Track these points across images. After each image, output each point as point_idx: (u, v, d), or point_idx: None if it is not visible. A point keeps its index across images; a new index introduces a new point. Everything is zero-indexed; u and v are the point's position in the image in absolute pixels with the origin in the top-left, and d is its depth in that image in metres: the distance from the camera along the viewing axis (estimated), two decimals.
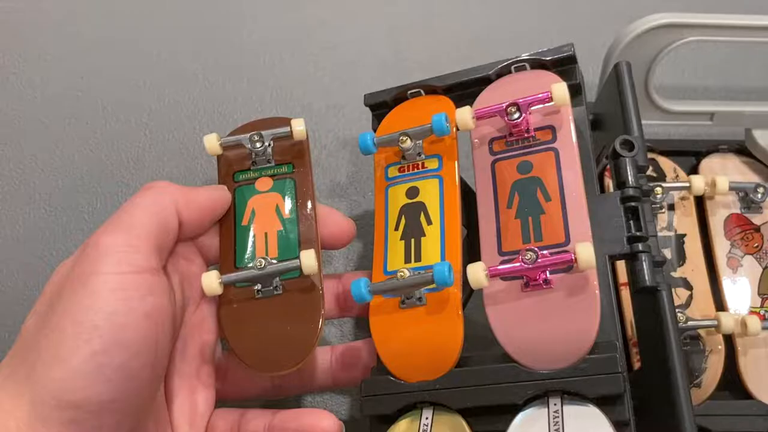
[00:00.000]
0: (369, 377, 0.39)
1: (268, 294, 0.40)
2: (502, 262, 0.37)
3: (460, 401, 0.36)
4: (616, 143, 0.40)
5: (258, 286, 0.41)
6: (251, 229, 0.43)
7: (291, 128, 0.44)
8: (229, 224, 0.44)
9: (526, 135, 0.41)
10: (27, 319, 0.37)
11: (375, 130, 0.46)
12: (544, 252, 0.36)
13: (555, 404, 0.35)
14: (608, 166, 0.42)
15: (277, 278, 0.40)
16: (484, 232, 0.39)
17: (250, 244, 0.42)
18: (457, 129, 0.42)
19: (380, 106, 0.47)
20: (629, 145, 0.40)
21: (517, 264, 0.36)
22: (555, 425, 0.34)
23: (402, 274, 0.38)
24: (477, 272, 0.35)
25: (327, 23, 0.64)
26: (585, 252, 0.34)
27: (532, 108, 0.41)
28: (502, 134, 0.41)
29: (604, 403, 0.35)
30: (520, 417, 0.35)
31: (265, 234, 0.43)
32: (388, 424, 0.38)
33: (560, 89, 0.40)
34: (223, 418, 0.42)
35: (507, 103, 0.40)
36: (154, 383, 0.37)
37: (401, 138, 0.42)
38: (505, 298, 0.37)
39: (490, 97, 0.43)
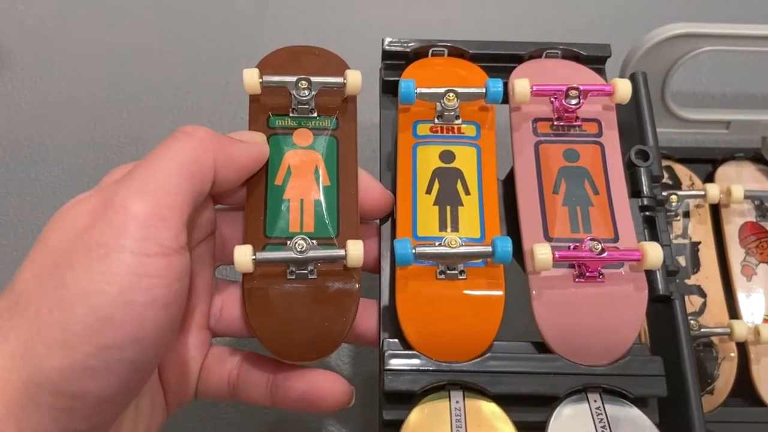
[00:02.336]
0: (392, 350, 0.35)
1: (301, 276, 0.36)
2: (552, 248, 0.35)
3: (498, 387, 0.35)
4: (631, 153, 0.41)
5: (292, 267, 0.36)
6: (285, 191, 0.37)
7: (345, 79, 0.38)
8: (260, 180, 0.38)
9: (574, 123, 0.40)
10: (23, 269, 0.31)
11: (383, 80, 0.43)
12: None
13: (595, 401, 0.34)
14: None
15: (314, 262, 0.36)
16: (527, 214, 0.37)
17: (283, 210, 0.37)
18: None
19: (396, 56, 0.43)
20: (644, 155, 0.41)
21: (585, 252, 0.34)
22: (600, 422, 0.33)
23: (454, 241, 0.35)
24: (546, 253, 0.34)
25: (345, 30, 0.66)
26: (655, 252, 0.34)
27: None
28: (546, 116, 0.40)
29: (637, 404, 0.35)
30: (563, 410, 0.34)
31: (301, 201, 0.37)
32: (404, 403, 0.35)
33: (626, 86, 0.39)
34: (219, 363, 0.38)
35: (568, 86, 0.39)
36: (156, 366, 0.34)
37: (448, 95, 0.39)
38: (556, 286, 0.35)
39: (522, 75, 0.40)
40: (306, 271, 0.36)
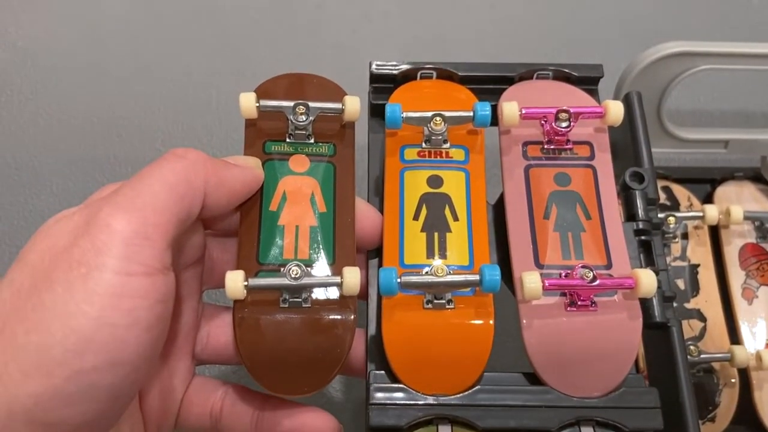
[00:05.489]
0: (378, 383, 0.34)
1: (295, 305, 0.34)
2: (542, 276, 0.34)
3: (488, 421, 0.33)
4: (626, 175, 0.40)
5: (285, 295, 0.35)
6: (280, 217, 0.36)
7: (344, 105, 0.38)
8: (254, 206, 0.37)
9: (565, 146, 0.39)
10: (0, 290, 0.29)
11: (371, 104, 0.42)
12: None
13: None
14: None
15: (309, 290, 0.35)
16: (517, 240, 0.36)
17: (278, 237, 0.36)
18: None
19: (384, 79, 0.42)
20: (639, 178, 0.40)
21: (576, 280, 0.33)
22: None
23: (440, 269, 0.33)
24: (535, 282, 0.33)
25: (342, 46, 0.65)
26: (648, 280, 0.33)
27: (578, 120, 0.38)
28: (536, 139, 0.39)
29: None
30: None
31: (296, 228, 0.36)
32: None
33: (617, 108, 0.38)
34: (203, 394, 0.37)
35: (558, 109, 0.38)
36: (138, 391, 0.33)
37: (435, 119, 0.38)
38: (547, 315, 0.34)
39: (512, 98, 0.39)
40: (300, 300, 0.34)
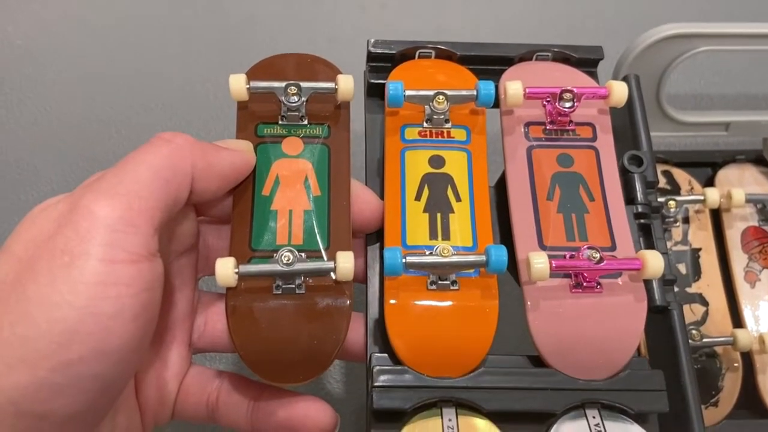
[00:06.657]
0: (380, 365, 0.34)
1: (288, 291, 0.34)
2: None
3: (492, 404, 0.33)
4: (624, 159, 0.39)
5: (278, 281, 0.34)
6: (273, 202, 0.36)
7: (337, 85, 0.37)
8: (247, 191, 0.36)
9: (567, 127, 0.38)
10: None
11: (368, 82, 0.42)
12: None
13: (594, 417, 0.33)
14: None
15: (302, 276, 0.34)
16: (520, 222, 0.36)
17: (270, 222, 0.35)
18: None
19: (381, 58, 0.41)
20: (638, 161, 0.40)
21: (583, 262, 0.33)
22: None
23: (446, 250, 0.33)
24: (542, 263, 0.32)
25: (337, 40, 0.65)
26: (656, 261, 0.33)
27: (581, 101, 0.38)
28: (539, 120, 0.38)
29: (637, 420, 0.33)
30: (560, 427, 0.33)
31: (290, 212, 0.35)
32: (394, 422, 0.33)
33: (622, 89, 0.38)
34: (199, 383, 0.37)
35: (562, 89, 0.37)
36: (128, 381, 0.32)
37: (438, 98, 0.38)
38: (552, 297, 0.34)
39: (513, 78, 0.39)
40: (293, 286, 0.34)
